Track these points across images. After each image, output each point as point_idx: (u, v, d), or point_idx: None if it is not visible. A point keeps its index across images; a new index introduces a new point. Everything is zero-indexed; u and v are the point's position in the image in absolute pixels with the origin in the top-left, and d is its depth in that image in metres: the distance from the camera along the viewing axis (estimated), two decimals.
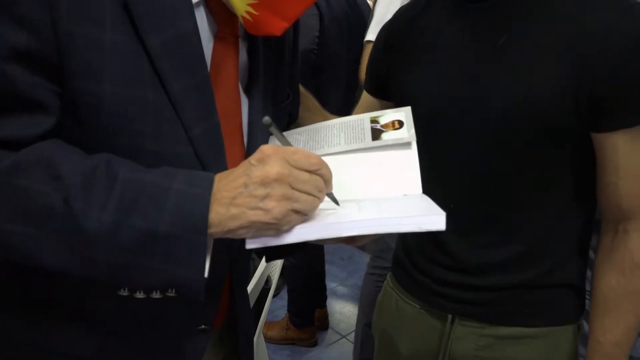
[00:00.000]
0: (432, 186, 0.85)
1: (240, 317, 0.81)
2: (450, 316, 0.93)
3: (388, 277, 1.09)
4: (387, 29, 1.01)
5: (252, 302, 1.20)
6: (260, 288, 1.53)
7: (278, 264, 1.72)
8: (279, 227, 0.57)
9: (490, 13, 0.82)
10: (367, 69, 1.06)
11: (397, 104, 0.93)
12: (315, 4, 1.81)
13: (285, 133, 0.75)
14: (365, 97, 1.06)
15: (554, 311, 0.90)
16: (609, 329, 0.84)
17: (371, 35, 1.73)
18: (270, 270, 1.65)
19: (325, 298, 2.46)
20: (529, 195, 0.85)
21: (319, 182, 0.59)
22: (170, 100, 0.60)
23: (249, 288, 1.32)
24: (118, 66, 0.57)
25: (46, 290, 0.65)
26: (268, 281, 1.64)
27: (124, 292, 0.62)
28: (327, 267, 2.42)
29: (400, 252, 1.04)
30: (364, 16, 2.13)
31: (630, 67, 0.74)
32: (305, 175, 0.58)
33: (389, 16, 1.55)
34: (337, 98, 2.10)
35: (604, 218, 0.87)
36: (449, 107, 0.85)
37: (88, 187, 0.54)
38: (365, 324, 1.98)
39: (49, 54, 0.55)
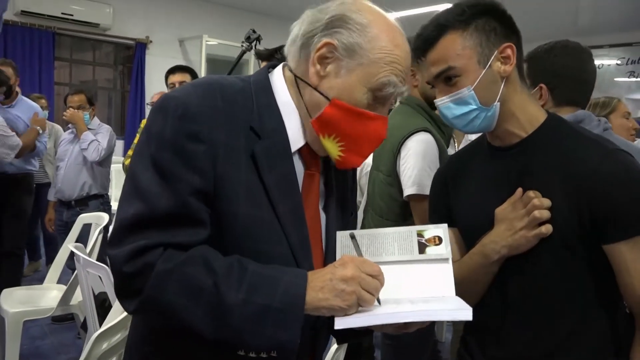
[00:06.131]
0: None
1: None
2: None
3: None
4: (443, 172, 1.30)
5: None
6: None
7: None
8: (347, 312, 0.84)
9: (512, 157, 1.12)
10: (430, 205, 1.33)
11: (459, 225, 1.22)
12: None
13: (350, 231, 1.00)
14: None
15: None
16: None
17: (414, 188, 1.83)
18: None
19: None
20: (555, 300, 1.06)
21: (377, 284, 0.85)
22: (277, 218, 0.89)
23: None
24: (247, 195, 0.86)
25: (187, 354, 0.89)
26: None
27: (241, 352, 0.84)
28: None
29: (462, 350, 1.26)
30: None
31: (613, 196, 0.99)
32: (370, 279, 0.84)
33: (427, 168, 1.84)
34: None
35: (631, 310, 1.06)
36: (485, 225, 1.12)
37: (228, 275, 0.81)
38: None
39: (209, 189, 0.84)
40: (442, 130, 1.97)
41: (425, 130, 1.86)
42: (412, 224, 1.88)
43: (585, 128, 1.15)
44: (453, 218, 1.23)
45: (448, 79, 1.06)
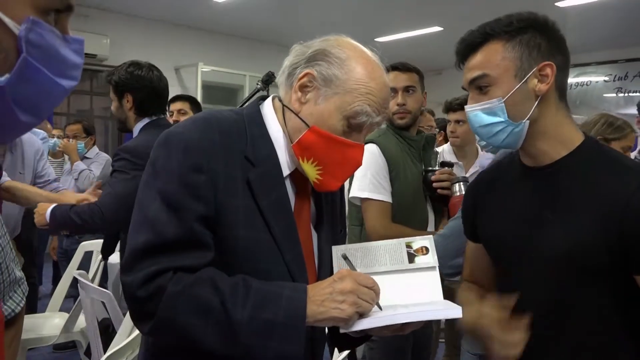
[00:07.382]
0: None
1: None
2: None
3: None
4: (474, 187, 1.29)
5: None
6: None
7: None
8: (347, 321, 0.91)
9: (544, 178, 1.09)
10: (463, 217, 1.32)
11: (483, 240, 1.23)
12: None
13: (345, 246, 1.08)
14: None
15: None
16: None
17: (352, 192, 2.01)
18: None
19: None
20: (580, 328, 1.05)
21: (373, 294, 0.93)
22: (273, 238, 0.96)
23: None
24: (246, 219, 0.93)
25: None
26: None
27: None
28: None
29: None
30: None
31: None
32: (366, 290, 0.92)
33: (369, 174, 1.97)
34: None
35: None
36: (512, 243, 1.12)
37: (234, 294, 0.87)
38: None
39: (211, 215, 0.91)
40: (411, 145, 2.14)
41: (371, 142, 2.02)
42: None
43: (622, 154, 1.12)
44: (478, 233, 1.24)
45: (481, 87, 1.08)
